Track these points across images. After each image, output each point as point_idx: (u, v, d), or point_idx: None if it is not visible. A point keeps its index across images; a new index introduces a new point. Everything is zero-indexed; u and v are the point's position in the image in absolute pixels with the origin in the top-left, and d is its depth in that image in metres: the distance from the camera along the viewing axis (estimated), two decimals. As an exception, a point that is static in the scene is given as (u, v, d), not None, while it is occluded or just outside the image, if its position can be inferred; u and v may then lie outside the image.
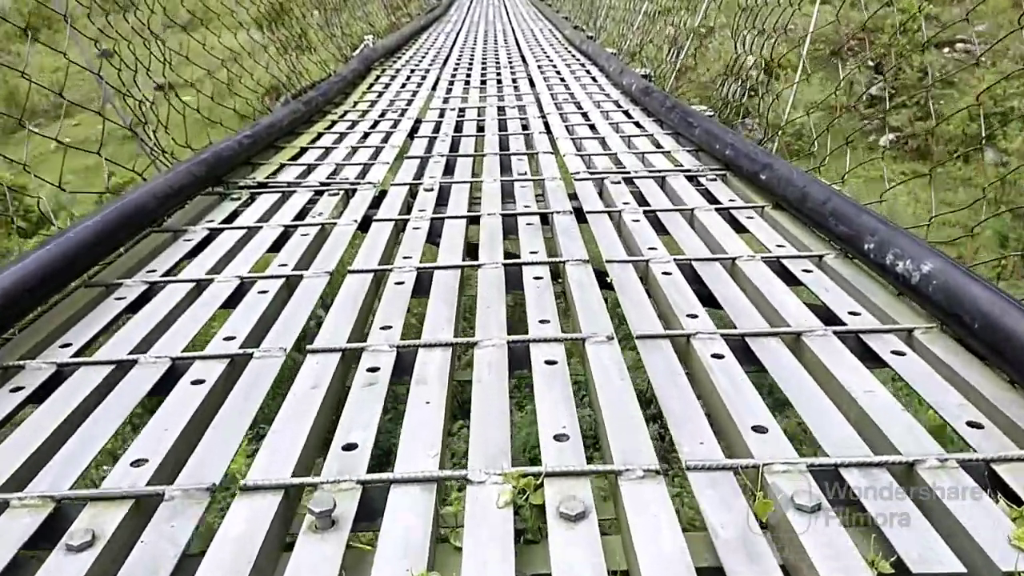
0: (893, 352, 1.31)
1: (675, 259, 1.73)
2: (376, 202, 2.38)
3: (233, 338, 1.40)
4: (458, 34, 8.03)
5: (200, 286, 1.69)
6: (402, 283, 1.65)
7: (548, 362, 1.27)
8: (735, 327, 1.41)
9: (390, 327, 1.43)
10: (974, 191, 11.25)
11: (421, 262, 1.77)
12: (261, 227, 2.07)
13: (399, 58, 6.21)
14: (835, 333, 1.37)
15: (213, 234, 2.04)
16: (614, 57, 4.77)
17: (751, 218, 2.04)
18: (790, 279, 1.69)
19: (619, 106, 3.75)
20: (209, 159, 2.35)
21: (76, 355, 1.38)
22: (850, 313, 1.46)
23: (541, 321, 1.43)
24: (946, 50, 14.85)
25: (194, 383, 1.25)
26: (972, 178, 11.80)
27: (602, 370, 1.23)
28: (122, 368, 1.32)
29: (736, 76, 8.27)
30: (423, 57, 6.23)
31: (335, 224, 2.07)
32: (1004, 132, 10.77)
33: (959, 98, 13.19)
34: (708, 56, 8.10)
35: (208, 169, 2.33)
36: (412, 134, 3.49)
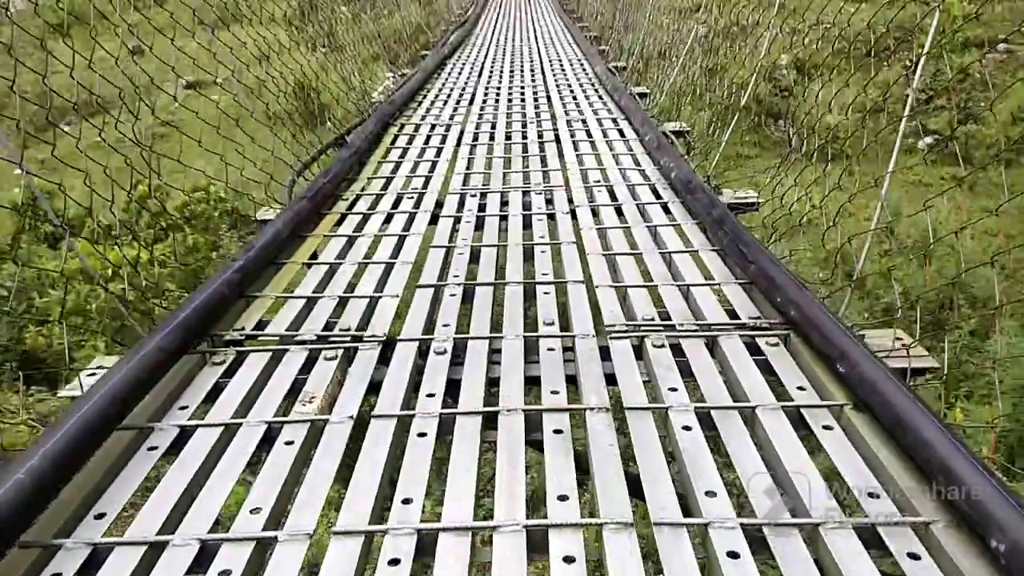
0: None
1: (742, 524, 1.38)
2: (384, 357, 2.07)
3: None
4: (483, 67, 7.69)
5: (154, 552, 1.38)
6: (397, 562, 1.32)
7: None
8: None
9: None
10: (1016, 198, 10.63)
11: (422, 516, 1.44)
12: (240, 425, 1.75)
13: (420, 102, 5.90)
14: None
15: (183, 437, 1.73)
16: (650, 122, 4.39)
17: (828, 428, 1.68)
18: (884, 550, 1.34)
19: (657, 196, 3.39)
20: (190, 319, 2.04)
21: None
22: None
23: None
24: (986, 50, 14.17)
25: None
26: (1015, 184, 11.19)
27: None
28: None
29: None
30: (445, 101, 5.91)
31: (327, 421, 1.75)
32: (1049, 137, 10.17)
33: (999, 101, 12.56)
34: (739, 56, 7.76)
35: (187, 332, 2.02)
36: (433, 222, 3.21)
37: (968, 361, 6.70)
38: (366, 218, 3.27)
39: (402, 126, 5.00)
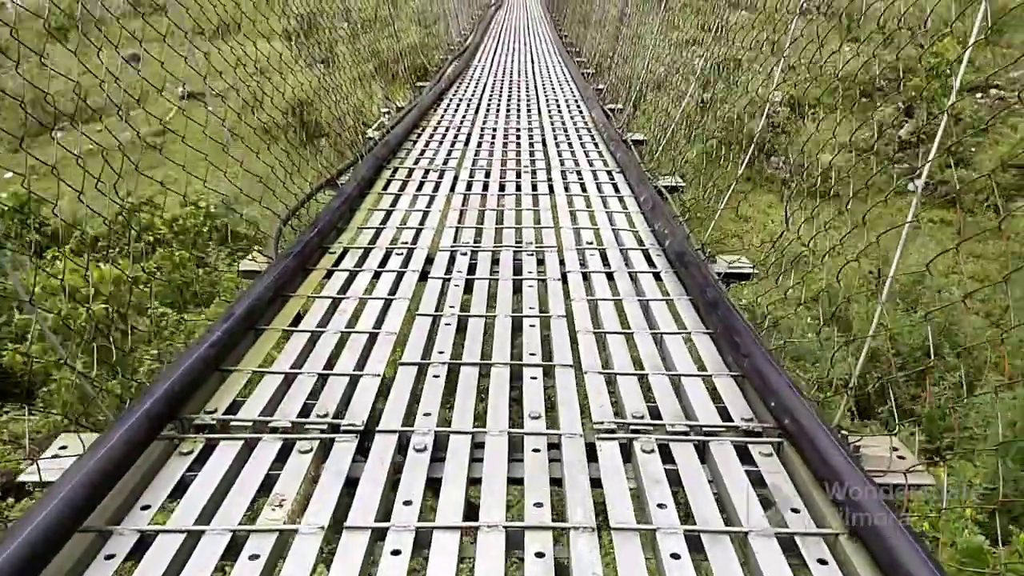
0: None
1: None
2: (362, 448, 1.99)
3: None
4: (479, 104, 7.66)
5: None
6: None
7: None
8: None
9: None
10: (1006, 243, 10.69)
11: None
12: (203, 533, 1.66)
13: (415, 141, 5.85)
14: None
15: (143, 544, 1.63)
16: (646, 179, 4.35)
17: (823, 562, 1.60)
18: None
19: (650, 263, 3.33)
20: (160, 403, 1.95)
21: None
22: None
23: None
24: (979, 95, 14.44)
25: None
26: (1003, 229, 11.26)
27: None
28: None
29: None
30: (440, 141, 5.86)
31: (296, 531, 1.66)
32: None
33: (991, 146, 12.78)
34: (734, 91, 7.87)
35: (156, 417, 1.93)
36: (422, 279, 3.16)
37: (957, 411, 6.63)
38: (353, 276, 3.19)
39: (395, 170, 4.93)
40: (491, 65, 10.81)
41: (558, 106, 7.58)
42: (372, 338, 2.60)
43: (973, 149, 12.68)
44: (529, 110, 7.41)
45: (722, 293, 2.69)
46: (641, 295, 3.01)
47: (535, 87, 8.82)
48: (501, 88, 8.74)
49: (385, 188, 4.52)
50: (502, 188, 4.68)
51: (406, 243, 3.58)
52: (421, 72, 11.99)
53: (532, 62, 11.13)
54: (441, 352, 2.51)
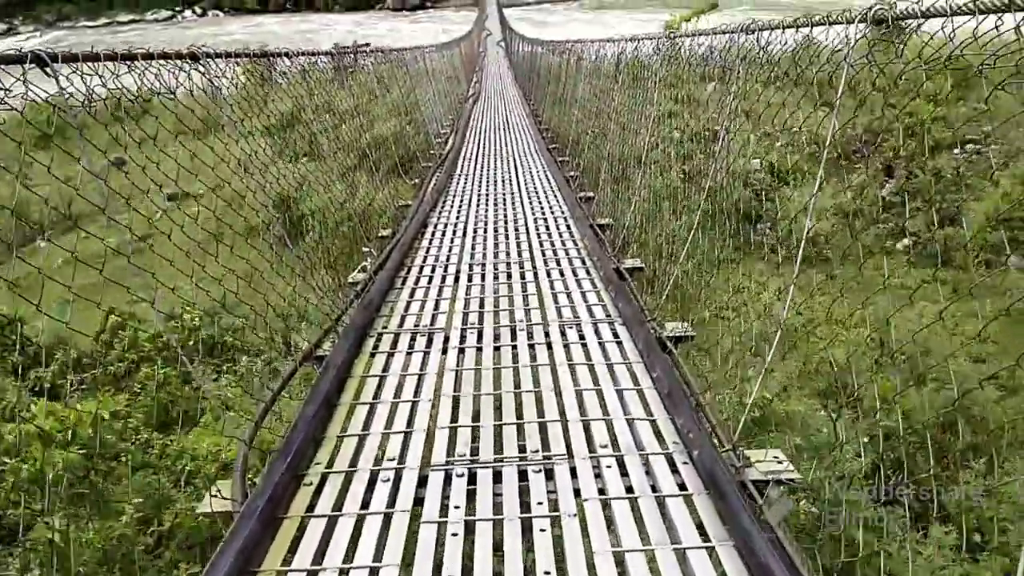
0: None
1: None
2: None
3: None
4: (465, 230, 7.34)
5: None
6: None
7: None
8: None
9: None
10: (1002, 300, 10.34)
11: None
12: None
13: (399, 290, 5.46)
14: None
15: None
16: (655, 348, 3.93)
17: None
18: None
19: (677, 475, 2.88)
20: None
21: None
22: None
23: None
24: (956, 151, 14.38)
25: None
26: (998, 285, 10.89)
27: None
28: None
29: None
30: (426, 288, 5.48)
31: None
32: (1029, 239, 10.04)
33: (975, 201, 12.61)
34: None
35: None
36: (416, 504, 2.75)
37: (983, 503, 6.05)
38: (332, 525, 2.71)
39: (379, 337, 4.51)
40: (474, 175, 10.59)
41: (547, 226, 7.26)
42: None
43: (957, 206, 12.51)
44: (517, 232, 7.10)
45: (780, 558, 2.22)
46: (676, 537, 2.53)
47: (520, 202, 8.54)
48: (486, 206, 8.45)
49: (367, 370, 4.07)
50: (496, 351, 4.27)
51: (393, 459, 3.12)
52: (404, 163, 11.92)
53: (516, 168, 10.92)
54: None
